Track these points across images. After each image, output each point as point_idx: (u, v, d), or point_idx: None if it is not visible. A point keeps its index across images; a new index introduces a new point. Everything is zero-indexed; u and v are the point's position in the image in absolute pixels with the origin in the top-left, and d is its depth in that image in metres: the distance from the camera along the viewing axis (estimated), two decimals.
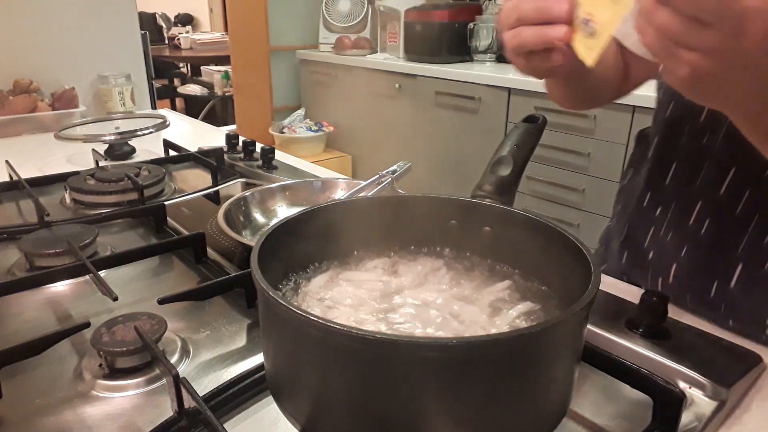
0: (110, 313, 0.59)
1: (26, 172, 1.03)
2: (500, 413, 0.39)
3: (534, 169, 2.23)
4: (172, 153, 1.25)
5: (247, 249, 0.70)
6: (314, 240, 0.56)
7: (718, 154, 0.58)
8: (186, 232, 0.81)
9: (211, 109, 4.55)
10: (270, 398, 0.48)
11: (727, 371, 0.49)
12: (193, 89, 4.75)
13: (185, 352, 0.56)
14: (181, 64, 5.55)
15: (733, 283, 0.57)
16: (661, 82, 0.68)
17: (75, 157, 1.27)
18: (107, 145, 1.27)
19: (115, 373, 0.52)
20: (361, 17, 3.19)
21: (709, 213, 0.59)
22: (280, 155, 1.21)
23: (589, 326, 0.51)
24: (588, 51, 0.48)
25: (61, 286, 0.69)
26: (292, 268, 0.55)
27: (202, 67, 4.93)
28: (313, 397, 0.42)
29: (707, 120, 0.59)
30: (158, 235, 0.85)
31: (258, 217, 0.86)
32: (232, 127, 3.48)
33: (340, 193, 0.90)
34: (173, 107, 4.78)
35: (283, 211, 0.88)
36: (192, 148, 1.23)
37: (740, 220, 0.56)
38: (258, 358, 0.54)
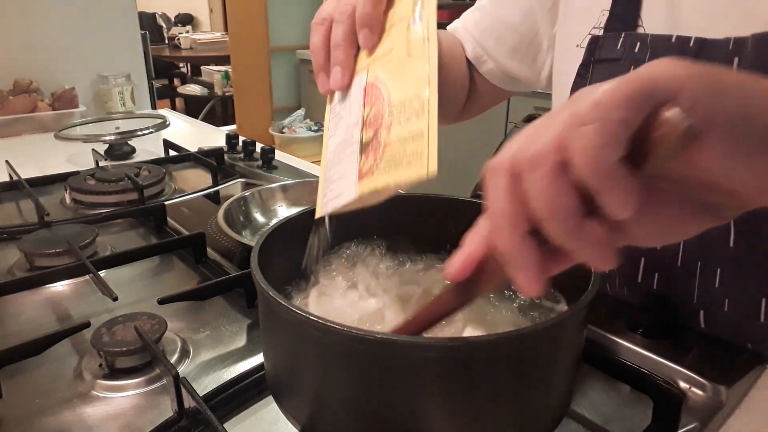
0: (110, 313, 0.59)
1: (26, 172, 1.03)
2: (500, 413, 0.39)
3: None
4: (172, 153, 1.25)
5: (247, 249, 0.70)
6: None
7: None
8: (186, 232, 0.81)
9: (211, 109, 4.55)
10: (270, 398, 0.48)
11: (727, 371, 0.49)
12: (193, 89, 4.74)
13: (185, 352, 0.56)
14: (181, 64, 5.55)
15: (701, 326, 0.57)
16: None
17: (75, 157, 1.27)
18: (107, 145, 1.27)
19: (115, 373, 0.52)
20: None
21: (655, 267, 0.58)
22: (280, 155, 1.21)
23: (589, 326, 0.51)
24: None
25: (61, 286, 0.68)
26: (292, 268, 0.55)
27: (202, 67, 4.93)
28: (313, 397, 0.42)
29: None
30: (158, 235, 0.85)
31: (258, 217, 0.86)
32: (232, 127, 3.48)
33: None
34: (173, 107, 4.78)
35: (283, 211, 0.88)
36: (192, 148, 1.23)
37: (685, 269, 0.55)
38: (258, 358, 0.54)
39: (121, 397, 0.50)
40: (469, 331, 0.46)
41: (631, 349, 0.52)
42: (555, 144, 0.27)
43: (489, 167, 0.30)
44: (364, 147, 0.41)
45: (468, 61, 0.74)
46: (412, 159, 0.37)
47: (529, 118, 0.70)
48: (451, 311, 0.37)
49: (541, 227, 0.28)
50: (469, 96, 0.76)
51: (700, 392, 0.48)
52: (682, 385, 0.48)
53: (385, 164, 0.39)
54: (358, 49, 0.49)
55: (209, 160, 1.11)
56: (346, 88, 0.48)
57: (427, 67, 0.41)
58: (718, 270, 0.53)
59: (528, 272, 0.29)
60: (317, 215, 0.45)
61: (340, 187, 0.42)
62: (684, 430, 0.45)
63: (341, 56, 0.48)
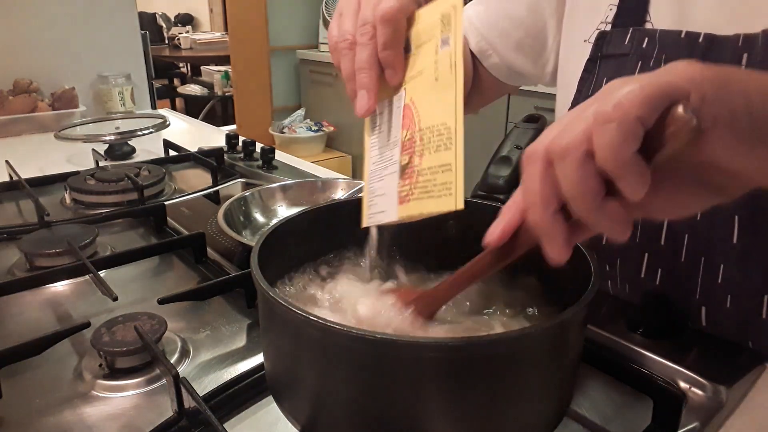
0: (110, 313, 0.59)
1: (26, 172, 1.03)
2: (500, 413, 0.39)
3: None
4: (172, 153, 1.25)
5: (247, 249, 0.70)
6: (314, 240, 0.56)
7: None
8: (186, 232, 0.81)
9: (211, 109, 4.55)
10: (270, 398, 0.48)
11: (727, 371, 0.49)
12: (193, 89, 4.74)
13: (185, 352, 0.56)
14: (181, 64, 5.55)
15: (703, 324, 0.57)
16: None
17: (75, 157, 1.27)
18: (107, 145, 1.27)
19: (115, 373, 0.52)
20: None
21: (658, 264, 0.58)
22: (280, 155, 1.21)
23: (589, 326, 0.51)
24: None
25: (61, 286, 0.69)
26: (292, 268, 0.55)
27: (202, 67, 4.93)
28: (312, 398, 0.42)
29: None
30: (158, 235, 0.85)
31: (258, 217, 0.86)
32: (232, 127, 3.47)
33: (340, 193, 0.90)
34: (173, 107, 4.78)
35: (283, 211, 0.88)
36: (192, 148, 1.23)
37: (688, 266, 0.55)
38: (258, 358, 0.54)
39: (121, 397, 0.50)
40: (470, 331, 0.47)
41: (631, 349, 0.52)
42: (583, 137, 0.31)
43: (526, 154, 0.35)
44: (402, 171, 0.44)
45: (472, 54, 0.74)
46: (442, 191, 0.40)
47: (529, 118, 0.70)
48: (487, 272, 0.42)
49: (568, 205, 0.33)
50: (471, 90, 0.76)
51: (700, 392, 0.48)
52: (682, 385, 0.48)
53: (419, 193, 0.42)
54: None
55: (209, 160, 1.11)
56: (372, 111, 0.49)
57: (454, 95, 0.42)
58: (721, 266, 0.53)
59: (557, 242, 0.34)
60: (363, 225, 0.48)
61: (381, 204, 0.45)
62: (684, 430, 0.45)
63: (366, 80, 0.48)
